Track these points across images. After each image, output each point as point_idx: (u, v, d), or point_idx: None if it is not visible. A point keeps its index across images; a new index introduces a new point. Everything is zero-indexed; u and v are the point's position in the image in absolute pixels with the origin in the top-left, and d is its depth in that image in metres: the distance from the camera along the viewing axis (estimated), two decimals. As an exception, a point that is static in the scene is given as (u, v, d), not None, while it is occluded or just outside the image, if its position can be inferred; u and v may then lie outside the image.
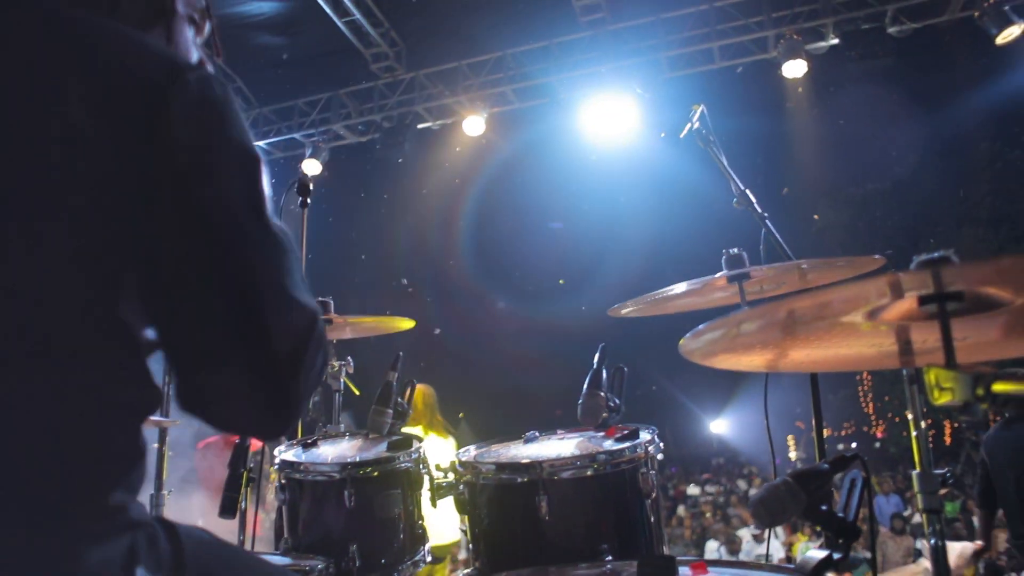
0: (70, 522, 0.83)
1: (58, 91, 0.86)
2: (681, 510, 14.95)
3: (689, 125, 2.46)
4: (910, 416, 1.77)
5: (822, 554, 1.38)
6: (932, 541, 1.84)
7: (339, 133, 10.44)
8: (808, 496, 1.39)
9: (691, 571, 1.46)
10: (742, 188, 2.55)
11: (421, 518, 2.17)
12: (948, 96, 15.68)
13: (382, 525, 2.06)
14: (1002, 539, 9.97)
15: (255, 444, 2.33)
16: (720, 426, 27.24)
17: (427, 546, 2.19)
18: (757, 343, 1.27)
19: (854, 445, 25.10)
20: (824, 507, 1.42)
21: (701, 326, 1.18)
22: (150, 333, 0.94)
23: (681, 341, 1.28)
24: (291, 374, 0.93)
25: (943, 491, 1.65)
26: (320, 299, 2.68)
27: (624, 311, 2.30)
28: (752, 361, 1.42)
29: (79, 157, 0.85)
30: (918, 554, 9.68)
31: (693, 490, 17.42)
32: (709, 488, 17.67)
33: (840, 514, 1.42)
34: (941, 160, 18.33)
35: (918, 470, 1.68)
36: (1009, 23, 7.84)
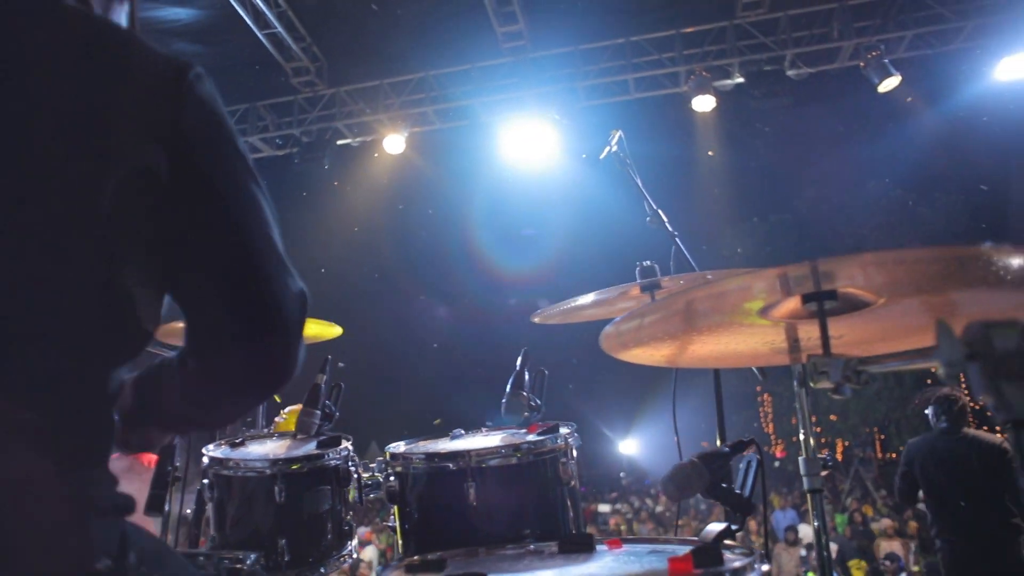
0: (79, 493, 0.89)
1: (88, 85, 0.93)
2: (591, 529, 15.26)
3: (608, 148, 2.66)
4: (799, 428, 1.99)
5: (722, 526, 1.55)
6: (816, 524, 2.07)
7: (256, 146, 10.29)
8: (711, 474, 1.56)
9: (607, 547, 1.60)
10: (655, 208, 2.77)
11: (349, 515, 2.23)
12: (840, 136, 16.94)
13: (311, 521, 2.10)
14: (885, 547, 10.70)
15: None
16: (628, 447, 27.89)
17: (354, 543, 2.25)
18: (664, 334, 1.44)
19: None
20: (724, 484, 1.60)
21: (617, 318, 1.33)
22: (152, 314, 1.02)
23: (601, 334, 1.43)
24: (296, 336, 1.05)
25: (824, 472, 1.87)
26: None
27: (538, 318, 2.45)
28: (660, 353, 1.59)
29: (104, 143, 0.92)
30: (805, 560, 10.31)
31: (604, 507, 17.80)
32: (619, 506, 18.10)
33: (738, 490, 1.60)
34: (834, 196, 19.73)
35: (803, 456, 1.90)
36: (889, 74, 8.68)
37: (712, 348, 1.61)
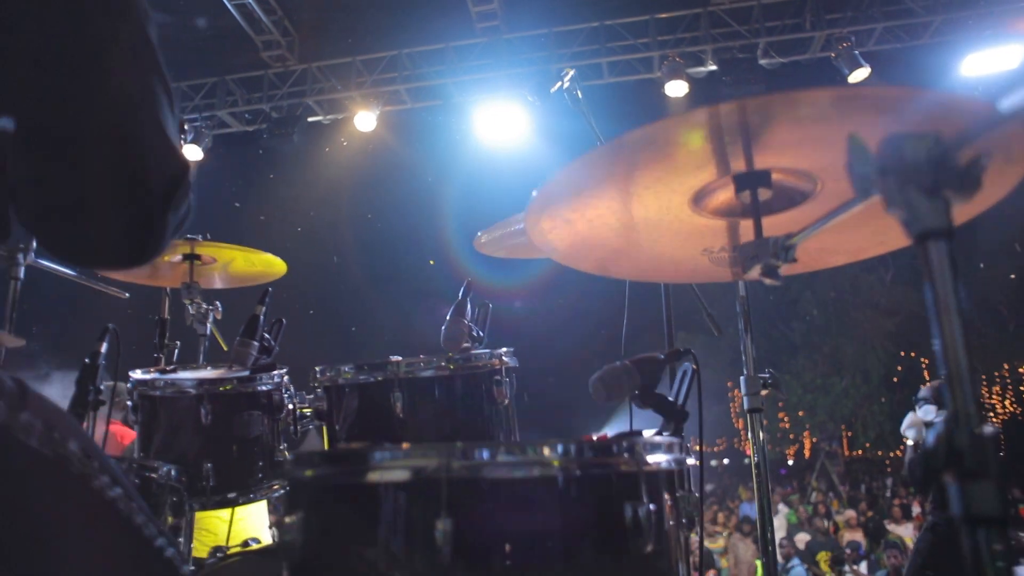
0: None
1: None
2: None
3: (560, 83, 2.60)
4: (741, 352, 1.96)
5: (653, 431, 1.50)
6: (755, 454, 2.03)
7: (224, 120, 10.10)
8: (643, 378, 1.51)
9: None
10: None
11: (281, 443, 2.15)
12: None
13: (239, 446, 2.03)
14: (848, 537, 10.83)
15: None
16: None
17: (287, 474, 2.17)
18: (597, 188, 1.36)
19: (726, 461, 26.63)
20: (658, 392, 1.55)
21: (553, 176, 1.28)
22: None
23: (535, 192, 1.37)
24: (162, 209, 0.96)
25: (764, 392, 1.84)
26: (189, 236, 2.61)
27: (483, 237, 2.38)
28: (597, 252, 1.54)
29: None
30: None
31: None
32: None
33: (672, 399, 1.56)
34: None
35: (745, 374, 1.87)
36: (859, 65, 8.76)
37: (651, 252, 1.56)
